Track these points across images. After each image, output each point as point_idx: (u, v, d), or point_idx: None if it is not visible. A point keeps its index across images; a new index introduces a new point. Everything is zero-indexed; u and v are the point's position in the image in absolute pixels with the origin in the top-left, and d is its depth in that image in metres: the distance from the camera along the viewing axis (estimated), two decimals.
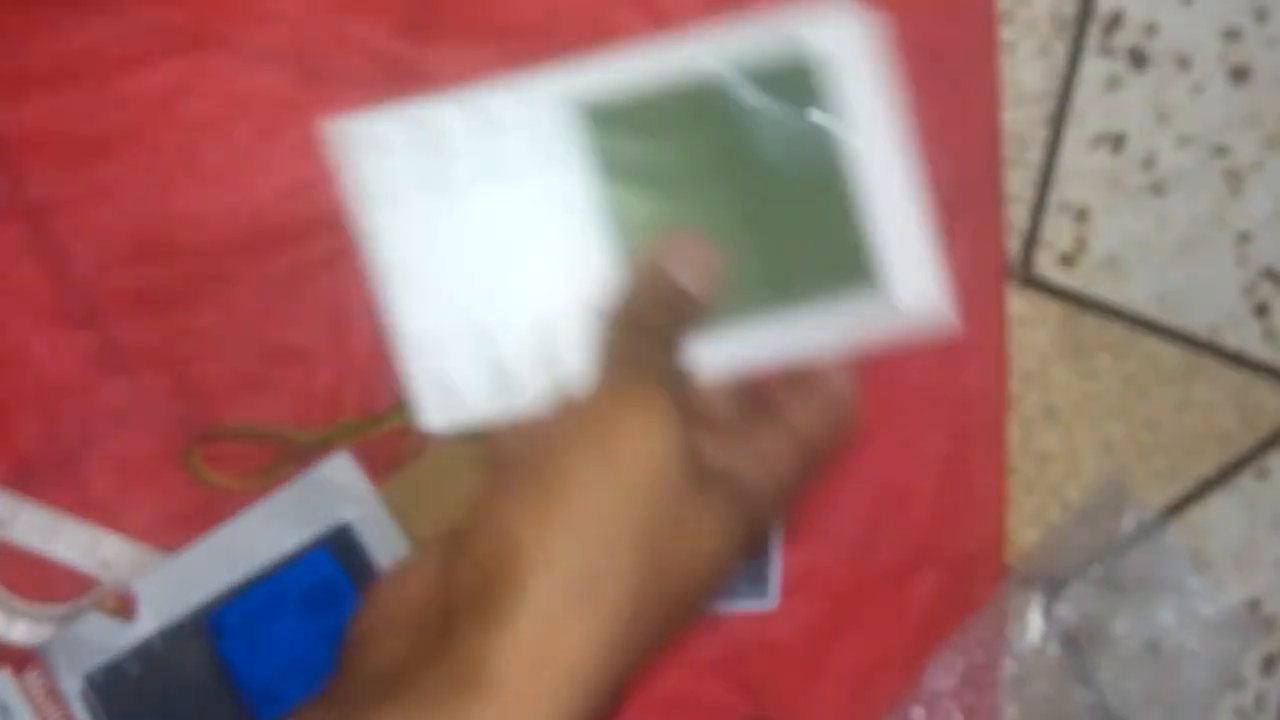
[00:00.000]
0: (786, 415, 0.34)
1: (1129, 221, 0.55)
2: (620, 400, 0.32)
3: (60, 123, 0.43)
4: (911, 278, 0.35)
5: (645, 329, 0.33)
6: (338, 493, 0.45)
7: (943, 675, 0.52)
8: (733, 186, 0.35)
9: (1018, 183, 0.54)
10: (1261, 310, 0.56)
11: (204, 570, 0.44)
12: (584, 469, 0.30)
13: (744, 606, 0.48)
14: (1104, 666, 0.54)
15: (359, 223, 0.35)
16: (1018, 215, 0.54)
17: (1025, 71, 0.53)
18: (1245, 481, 0.56)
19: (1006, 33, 0.53)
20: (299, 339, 0.47)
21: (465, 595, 0.30)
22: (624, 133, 0.35)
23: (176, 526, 0.45)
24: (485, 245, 0.35)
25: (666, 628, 0.31)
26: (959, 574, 0.54)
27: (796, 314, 0.35)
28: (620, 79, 0.35)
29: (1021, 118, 0.54)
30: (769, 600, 0.48)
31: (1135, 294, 0.55)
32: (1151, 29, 0.54)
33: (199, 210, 0.43)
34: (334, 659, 0.32)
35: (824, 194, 0.35)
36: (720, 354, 0.35)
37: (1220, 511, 0.56)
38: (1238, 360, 0.56)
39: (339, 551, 0.45)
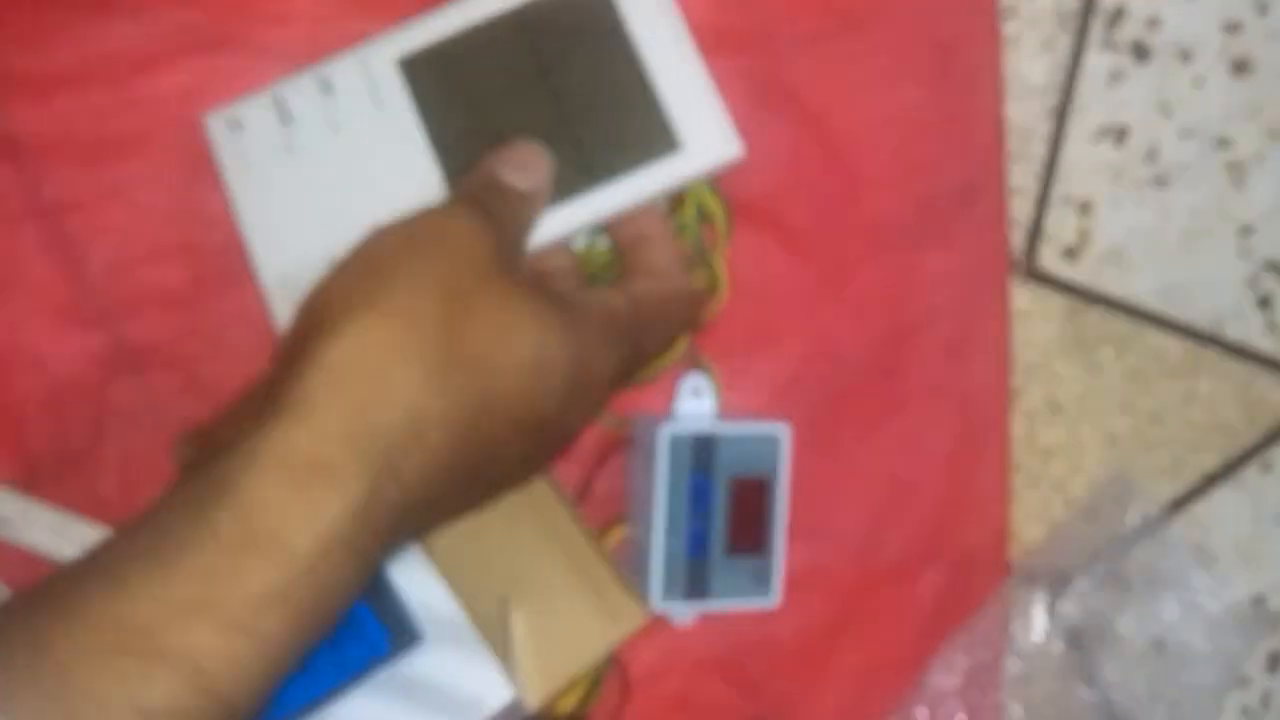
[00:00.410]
0: (626, 286, 0.40)
1: (1132, 214, 0.54)
2: (432, 210, 0.37)
3: (79, 123, 0.43)
4: (705, 129, 0.41)
5: (477, 205, 0.37)
6: None
7: (946, 674, 0.52)
8: (537, 95, 0.41)
9: (1021, 176, 0.54)
10: (1265, 303, 0.55)
11: None
12: (391, 245, 0.35)
13: (747, 605, 0.47)
14: (1108, 664, 0.53)
15: (230, 198, 0.41)
16: (1021, 208, 0.54)
17: (1029, 65, 0.53)
18: (1249, 475, 0.56)
19: (1010, 27, 0.53)
20: None
21: (289, 355, 0.32)
22: (436, 72, 0.41)
23: None
24: (337, 192, 0.41)
25: (490, 400, 0.33)
26: (963, 571, 0.53)
27: (614, 187, 0.41)
28: (432, 29, 0.41)
29: (1025, 111, 0.53)
30: (772, 598, 0.47)
31: (1139, 287, 0.55)
32: (1153, 22, 0.54)
33: (214, 210, 0.43)
34: None
35: (617, 82, 0.41)
36: (552, 228, 0.41)
37: (1224, 506, 0.56)
38: (1241, 353, 0.55)
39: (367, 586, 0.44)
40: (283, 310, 0.41)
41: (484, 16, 0.41)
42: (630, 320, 0.38)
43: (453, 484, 0.33)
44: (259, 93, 0.42)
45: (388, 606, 0.42)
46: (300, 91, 0.42)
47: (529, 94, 0.41)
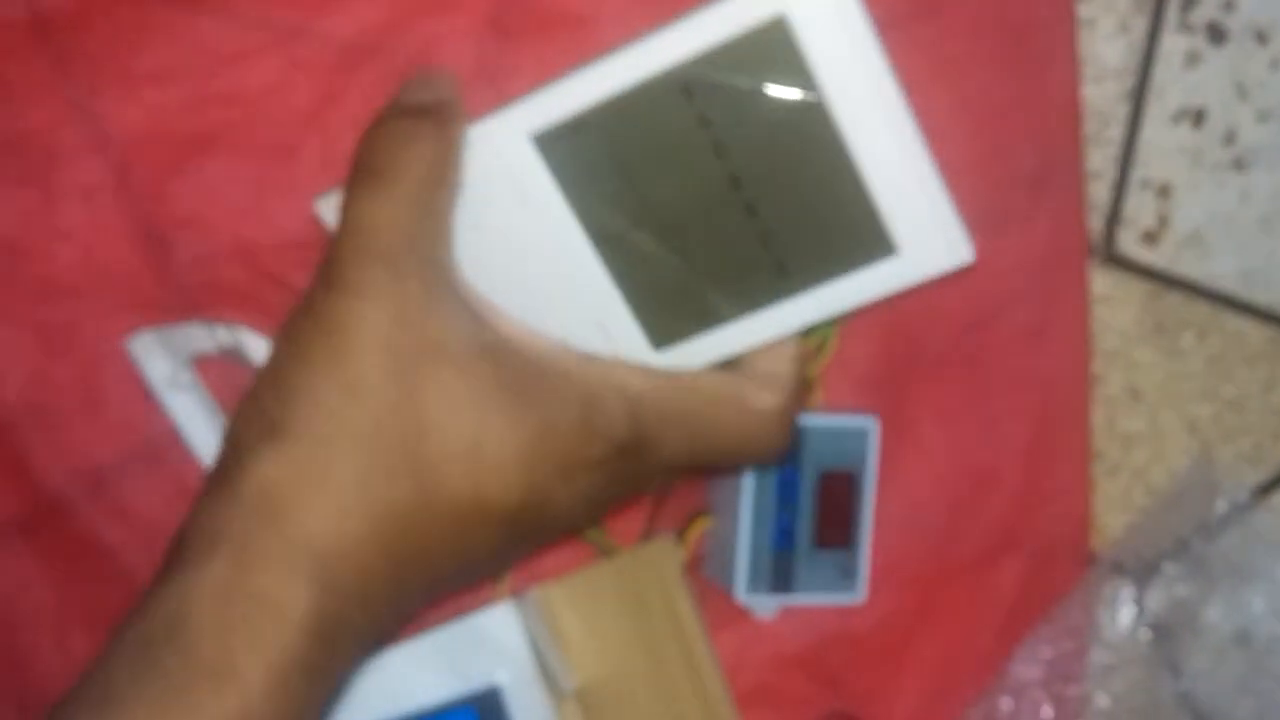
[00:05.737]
0: (678, 369, 0.34)
1: (1211, 198, 0.54)
2: (315, 300, 0.32)
3: (166, 117, 0.43)
4: (926, 230, 0.32)
5: (367, 260, 0.31)
6: (495, 649, 0.43)
7: (1030, 664, 0.51)
8: (711, 178, 0.32)
9: (1099, 160, 0.53)
10: None
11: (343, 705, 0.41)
12: (287, 358, 0.31)
13: (833, 600, 0.47)
14: (1195, 655, 0.53)
15: None
16: (1099, 193, 0.53)
17: (1104, 48, 0.52)
18: None
19: (1085, 9, 0.52)
20: None
21: (215, 480, 0.32)
22: (581, 150, 0.33)
23: None
24: (482, 282, 0.34)
25: (424, 499, 0.31)
26: (1044, 561, 0.53)
27: (811, 295, 0.33)
28: (573, 97, 0.32)
29: (1101, 94, 0.53)
30: (858, 594, 0.47)
31: (1219, 271, 0.54)
32: (1229, 4, 0.53)
33: (296, 203, 0.43)
34: None
35: (815, 167, 0.32)
36: (736, 343, 0.34)
37: None
38: None
39: (485, 716, 0.43)
40: None
41: (636, 79, 0.31)
42: (637, 407, 0.33)
43: (401, 588, 0.32)
44: None
45: None
46: None
47: (700, 178, 0.32)
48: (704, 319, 0.34)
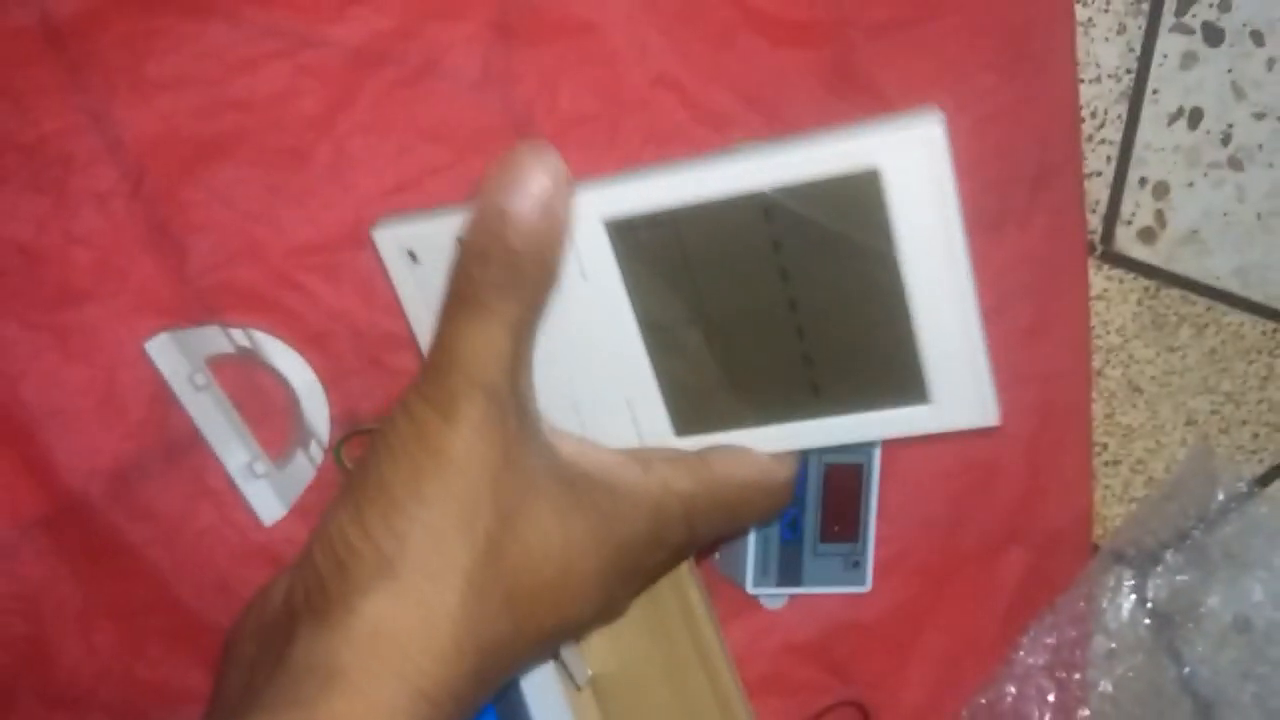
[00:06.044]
0: (704, 461, 0.35)
1: (1207, 196, 0.54)
2: (426, 426, 0.31)
3: (178, 124, 0.44)
4: (963, 392, 0.33)
5: (474, 387, 0.31)
6: None
7: (1034, 652, 0.52)
8: (770, 298, 0.33)
9: (1097, 159, 0.54)
10: None
11: None
12: (399, 488, 0.31)
13: (840, 589, 0.47)
14: (1195, 642, 0.53)
15: (411, 322, 0.37)
16: (1097, 191, 0.54)
17: (1102, 48, 0.53)
18: None
19: (1082, 10, 0.53)
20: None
21: (304, 601, 0.31)
22: (651, 242, 0.33)
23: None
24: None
25: (517, 627, 0.32)
26: (1047, 552, 0.53)
27: (836, 422, 0.34)
28: (652, 194, 0.33)
29: (1098, 94, 0.53)
30: (865, 583, 0.48)
31: (1215, 268, 0.55)
32: (1225, 4, 0.54)
33: (307, 207, 0.43)
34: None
35: (872, 309, 0.33)
36: (754, 445, 0.35)
37: None
38: None
39: (502, 706, 0.44)
40: None
41: (722, 193, 0.32)
42: (691, 508, 0.34)
43: (483, 700, 0.33)
44: (436, 218, 0.35)
45: None
46: None
47: (760, 294, 0.33)
48: (729, 419, 0.35)
